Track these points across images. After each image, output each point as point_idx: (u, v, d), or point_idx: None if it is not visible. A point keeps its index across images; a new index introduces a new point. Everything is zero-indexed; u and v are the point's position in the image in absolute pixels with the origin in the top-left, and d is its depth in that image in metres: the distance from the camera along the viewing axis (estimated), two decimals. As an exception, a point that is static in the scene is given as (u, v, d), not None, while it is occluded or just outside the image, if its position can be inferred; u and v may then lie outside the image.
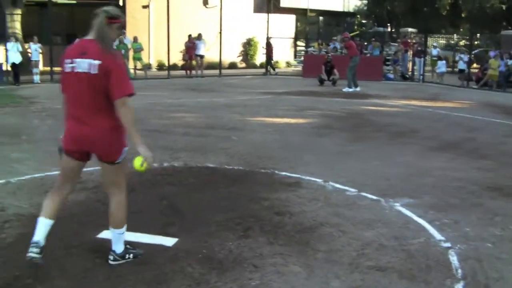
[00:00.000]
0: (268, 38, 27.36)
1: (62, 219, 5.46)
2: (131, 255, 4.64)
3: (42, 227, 4.32)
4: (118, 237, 4.60)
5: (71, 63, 4.21)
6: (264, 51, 28.32)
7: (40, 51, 21.60)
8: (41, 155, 8.53)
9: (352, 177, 7.49)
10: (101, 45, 4.16)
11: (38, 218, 4.35)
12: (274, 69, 28.01)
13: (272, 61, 28.25)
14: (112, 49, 4.30)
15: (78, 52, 4.22)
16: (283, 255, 4.72)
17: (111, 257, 4.58)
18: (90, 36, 4.24)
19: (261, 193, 6.58)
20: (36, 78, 21.21)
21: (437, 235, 5.36)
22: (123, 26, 4.52)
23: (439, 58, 26.80)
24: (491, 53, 25.56)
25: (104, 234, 5.01)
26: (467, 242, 5.22)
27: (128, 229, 5.05)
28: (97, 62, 4.11)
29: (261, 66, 29.91)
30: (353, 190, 6.86)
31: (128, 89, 4.21)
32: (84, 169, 7.30)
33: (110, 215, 4.57)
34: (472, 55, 26.97)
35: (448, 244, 5.13)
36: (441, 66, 26.14)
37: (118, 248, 4.60)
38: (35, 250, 4.17)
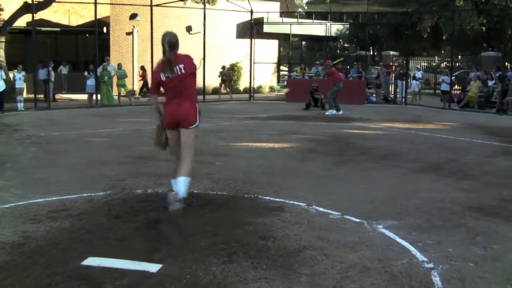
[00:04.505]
0: (142, 67, 27.04)
1: (46, 247, 5.48)
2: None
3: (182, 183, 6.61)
4: (184, 185, 6.57)
5: (166, 73, 6.57)
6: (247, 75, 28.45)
7: (24, 78, 21.63)
8: (25, 183, 8.52)
9: (336, 201, 7.54)
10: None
11: (174, 179, 6.76)
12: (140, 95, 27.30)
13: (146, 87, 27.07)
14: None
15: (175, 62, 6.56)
16: (267, 279, 4.74)
17: (177, 203, 6.54)
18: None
19: (245, 218, 6.59)
20: (20, 105, 21.20)
21: (420, 256, 5.40)
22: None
23: (413, 78, 27.12)
24: (471, 75, 25.87)
25: (89, 262, 5.00)
26: (449, 263, 5.26)
27: (113, 256, 5.07)
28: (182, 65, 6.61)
29: (245, 91, 30.04)
30: (336, 213, 6.90)
31: None
32: (68, 196, 7.41)
33: (181, 166, 6.64)
34: (454, 77, 27.27)
35: (431, 265, 5.17)
36: (414, 86, 26.45)
37: (184, 194, 6.56)
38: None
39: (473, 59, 34.70)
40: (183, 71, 6.55)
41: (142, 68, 26.98)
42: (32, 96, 22.07)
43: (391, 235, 6.07)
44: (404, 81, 26.47)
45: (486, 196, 8.09)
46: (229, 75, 29.57)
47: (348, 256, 5.36)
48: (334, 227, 6.34)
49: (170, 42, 6.52)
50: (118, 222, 6.33)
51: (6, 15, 27.85)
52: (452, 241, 5.94)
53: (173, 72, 6.52)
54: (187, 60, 6.69)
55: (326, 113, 20.11)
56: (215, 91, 30.55)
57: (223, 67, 28.34)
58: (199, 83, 26.58)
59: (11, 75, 22.86)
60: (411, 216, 6.92)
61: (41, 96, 23.19)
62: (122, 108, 22.84)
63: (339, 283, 4.71)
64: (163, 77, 6.59)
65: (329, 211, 6.99)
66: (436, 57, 38.79)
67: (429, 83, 33.69)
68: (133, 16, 28.55)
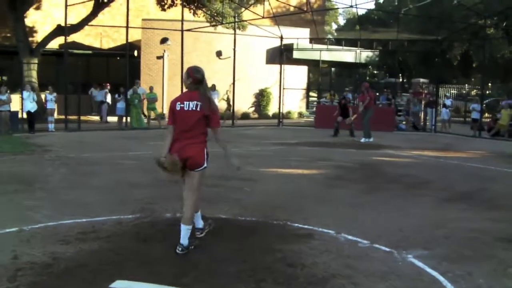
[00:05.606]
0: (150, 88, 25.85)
1: (75, 268, 5.51)
2: (192, 246, 6.23)
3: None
4: (186, 232, 6.16)
5: (181, 104, 6.18)
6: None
7: (55, 100, 21.94)
8: (55, 203, 8.60)
9: (365, 229, 7.47)
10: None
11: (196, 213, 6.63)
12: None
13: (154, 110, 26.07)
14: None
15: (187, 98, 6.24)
16: (296, 307, 4.71)
17: (179, 248, 6.08)
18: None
19: (274, 244, 6.57)
20: (51, 126, 21.50)
21: (450, 287, 5.33)
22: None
23: (444, 106, 26.94)
24: (503, 103, 25.64)
25: (117, 284, 5.02)
26: (481, 295, 5.18)
27: (141, 279, 5.07)
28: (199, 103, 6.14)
29: (274, 116, 30.06)
30: (365, 241, 6.84)
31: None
32: (98, 218, 7.46)
33: (183, 212, 6.33)
34: (484, 105, 27.03)
35: (461, 297, 5.10)
36: (444, 114, 26.26)
37: (185, 242, 6.14)
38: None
39: (503, 87, 34.42)
40: (198, 109, 6.14)
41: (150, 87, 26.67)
42: (63, 117, 22.34)
43: (421, 265, 6.00)
44: (433, 109, 26.31)
45: (517, 227, 7.96)
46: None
47: (377, 285, 5.30)
48: (363, 256, 6.28)
49: (199, 77, 6.26)
50: (147, 245, 6.36)
51: (39, 37, 28.34)
52: (483, 272, 5.84)
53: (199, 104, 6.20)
54: (206, 101, 6.24)
55: (361, 140, 19.91)
56: (245, 115, 30.66)
57: (227, 91, 27.98)
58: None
59: (42, 96, 23.22)
60: (441, 245, 6.83)
61: (92, 118, 23.40)
62: (151, 131, 22.98)
63: (368, 313, 4.66)
64: (177, 107, 6.21)
65: (358, 239, 6.93)
66: (466, 85, 38.57)
67: (459, 111, 33.43)
68: (164, 40, 28.88)
